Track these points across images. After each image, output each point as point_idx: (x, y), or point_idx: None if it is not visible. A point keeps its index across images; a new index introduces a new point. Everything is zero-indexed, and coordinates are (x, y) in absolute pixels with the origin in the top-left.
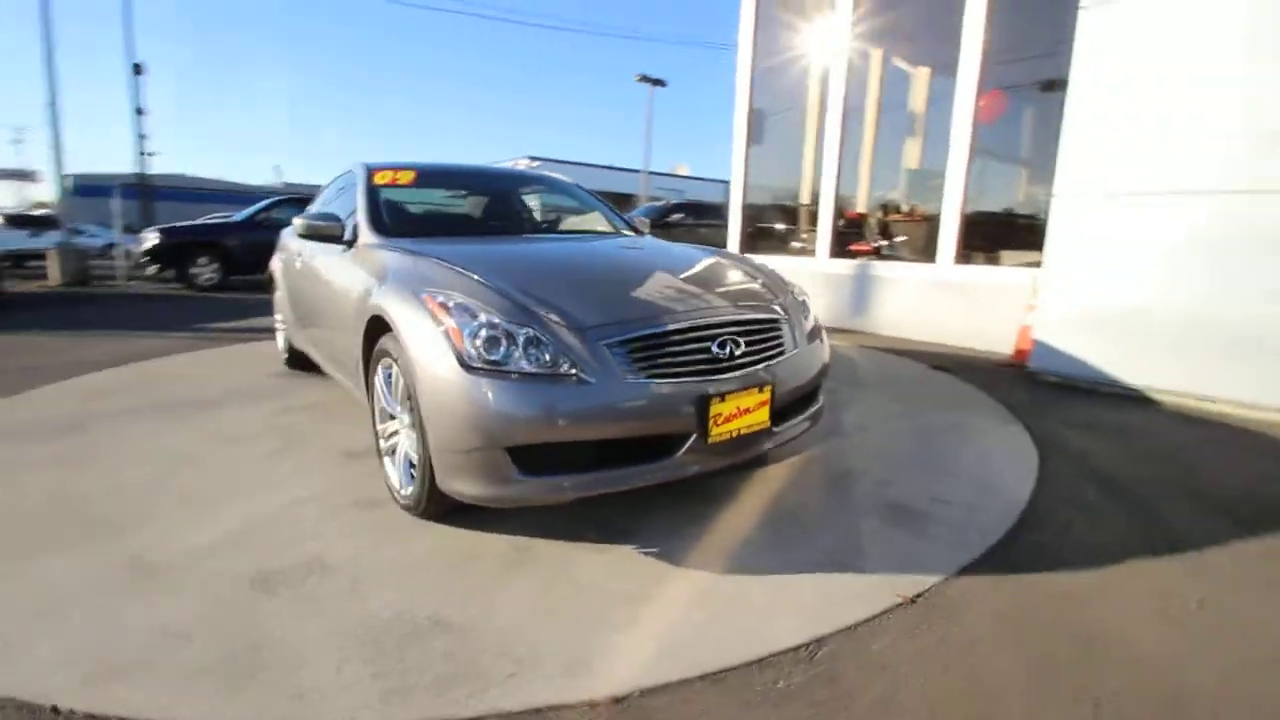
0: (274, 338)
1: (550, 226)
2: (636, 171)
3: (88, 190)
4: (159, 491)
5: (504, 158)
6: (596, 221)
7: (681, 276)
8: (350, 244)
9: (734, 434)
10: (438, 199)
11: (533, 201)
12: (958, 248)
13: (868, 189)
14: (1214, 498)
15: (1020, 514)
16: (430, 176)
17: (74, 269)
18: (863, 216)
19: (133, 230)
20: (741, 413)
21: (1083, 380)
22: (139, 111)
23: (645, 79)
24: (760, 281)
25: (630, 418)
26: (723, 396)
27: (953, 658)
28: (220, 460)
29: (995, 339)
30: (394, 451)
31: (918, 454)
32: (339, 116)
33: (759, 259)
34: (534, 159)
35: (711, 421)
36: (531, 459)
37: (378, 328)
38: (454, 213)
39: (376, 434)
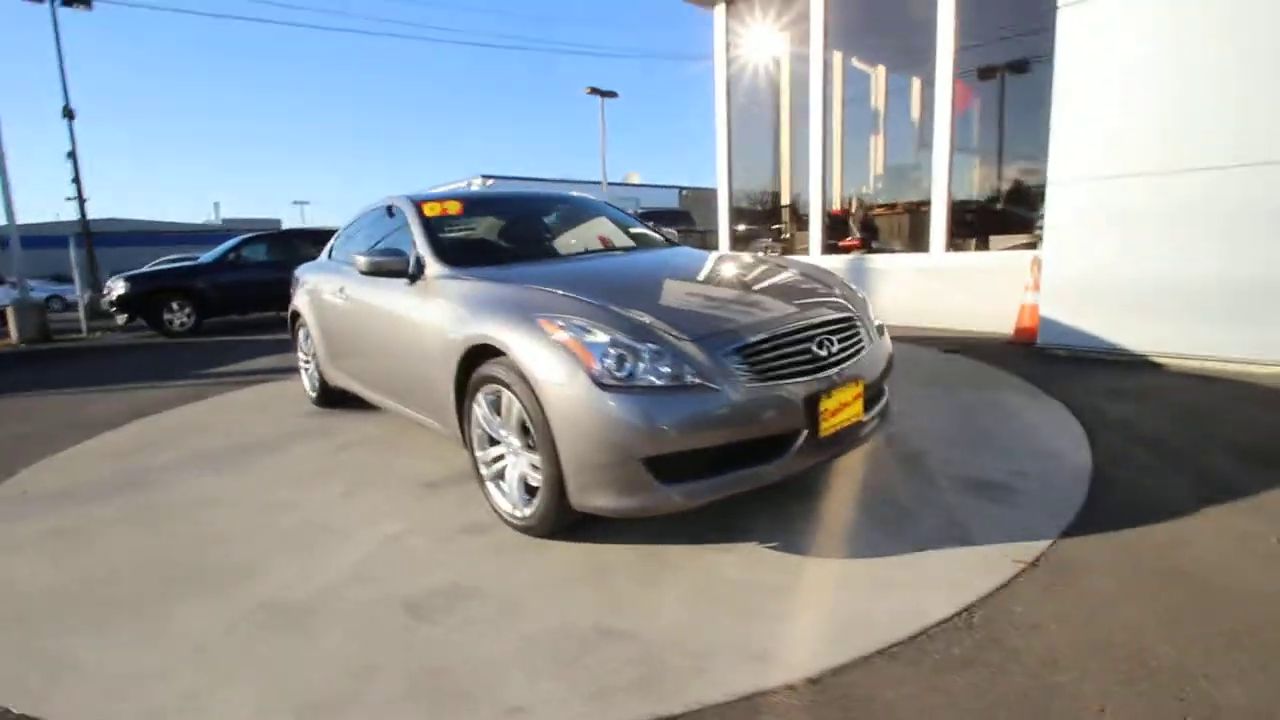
0: (289, 378)
1: (622, 246)
2: (591, 183)
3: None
4: (252, 538)
5: (456, 178)
6: (637, 235)
7: (758, 282)
8: (414, 278)
9: (838, 428)
10: (484, 227)
11: (573, 222)
12: (947, 235)
13: (847, 187)
14: (1248, 448)
15: (1090, 479)
16: (474, 205)
17: (34, 325)
18: (846, 212)
19: (63, 279)
20: (843, 407)
21: (1090, 351)
22: (71, 156)
23: (595, 91)
24: (825, 282)
25: (753, 420)
26: (829, 393)
27: (1091, 611)
28: (300, 503)
29: (992, 320)
30: (501, 475)
31: (970, 432)
32: (278, 150)
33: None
34: (488, 177)
35: (821, 417)
36: (667, 468)
37: (478, 356)
38: (509, 239)
39: (475, 461)
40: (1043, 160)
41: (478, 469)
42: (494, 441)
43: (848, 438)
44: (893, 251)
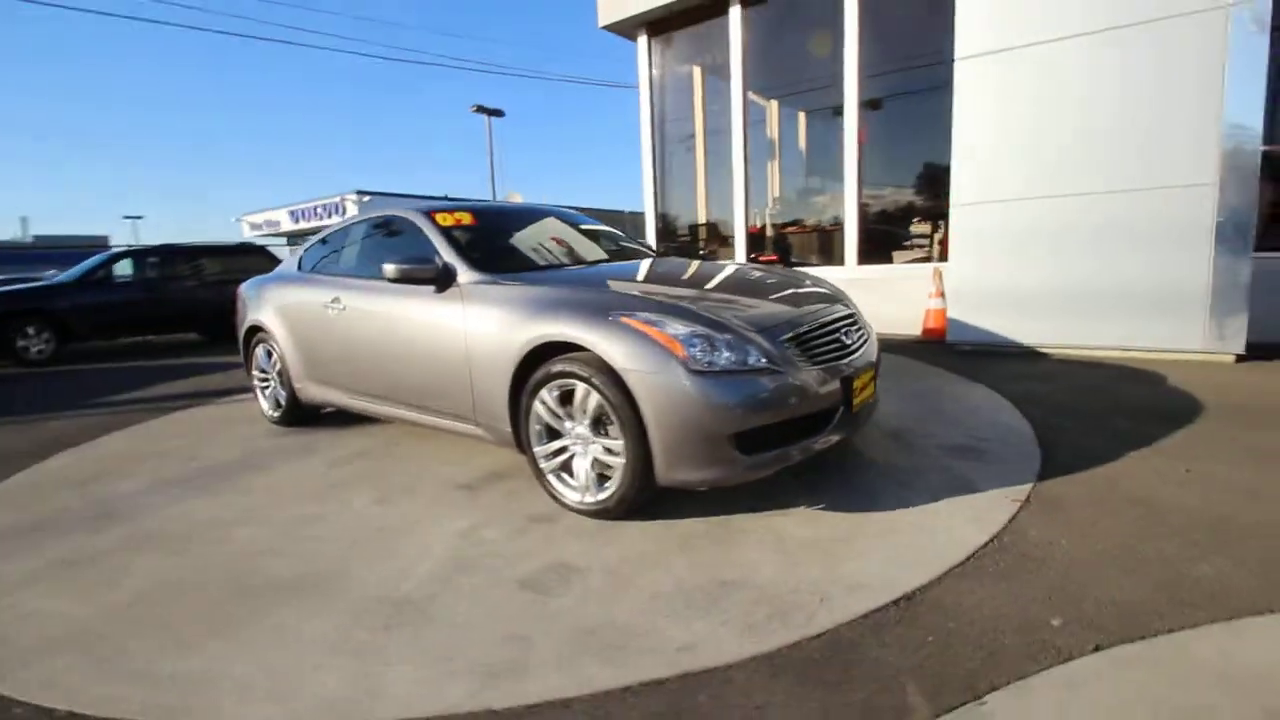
0: (217, 403)
1: (610, 254)
2: (475, 200)
3: None
4: (306, 547)
5: (328, 193)
6: (628, 248)
7: (779, 283)
8: (444, 285)
9: (861, 404)
10: (496, 237)
11: (571, 231)
12: (859, 250)
13: (765, 209)
14: (1135, 410)
15: (1036, 440)
16: (480, 216)
17: None
18: (760, 231)
19: None
20: (863, 387)
21: (991, 345)
22: None
23: (482, 110)
24: (825, 285)
25: (810, 398)
26: (857, 374)
27: (1084, 529)
28: (331, 514)
29: (901, 322)
30: (564, 467)
31: (929, 412)
32: (100, 161)
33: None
34: (362, 193)
35: (853, 395)
36: (744, 442)
37: (539, 355)
38: (525, 248)
39: (533, 456)
40: (914, 185)
41: (535, 464)
42: (554, 436)
43: (865, 414)
44: (810, 265)
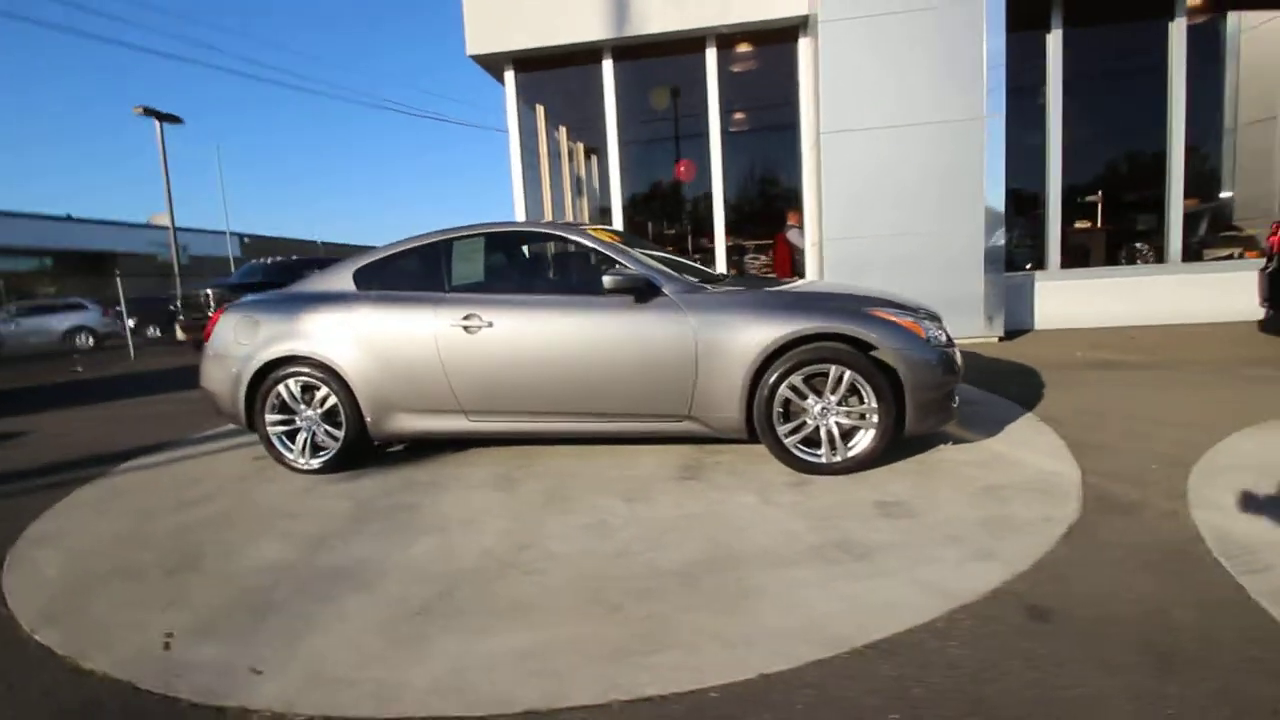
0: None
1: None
2: (114, 224)
3: None
4: (691, 546)
5: None
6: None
7: (873, 290)
8: (645, 296)
9: None
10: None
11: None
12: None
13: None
14: (1013, 376)
15: (990, 395)
16: (619, 235)
17: None
18: None
19: None
20: None
21: None
22: None
23: (151, 112)
24: None
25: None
26: None
27: (1075, 418)
28: (647, 514)
29: None
30: (806, 440)
31: None
32: None
33: None
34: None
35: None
36: (950, 397)
37: (786, 347)
38: (670, 262)
39: (775, 435)
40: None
41: (779, 440)
42: (789, 417)
43: None
44: None
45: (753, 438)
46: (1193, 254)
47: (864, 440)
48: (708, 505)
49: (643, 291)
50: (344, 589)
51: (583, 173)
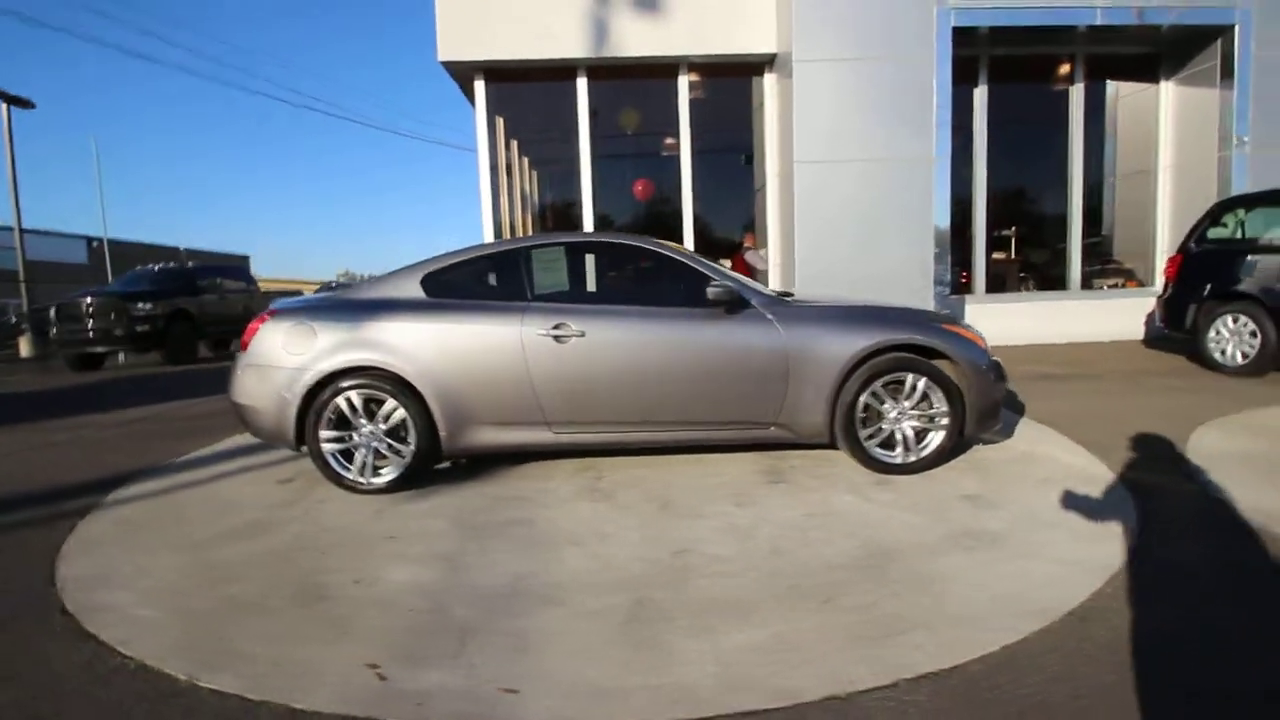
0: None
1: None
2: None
3: None
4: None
5: None
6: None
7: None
8: (735, 308)
9: None
10: None
11: None
12: None
13: None
14: None
15: None
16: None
17: None
18: None
19: None
20: None
21: None
22: None
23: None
24: None
25: None
26: None
27: (1080, 387)
28: (780, 511)
29: None
30: (884, 442)
31: None
32: None
33: None
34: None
35: None
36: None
37: (868, 356)
38: None
39: (857, 438)
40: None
41: (859, 443)
42: (866, 423)
43: None
44: None
45: (830, 442)
46: (1085, 283)
47: (934, 441)
48: (818, 505)
49: (732, 303)
50: (528, 605)
51: (528, 187)
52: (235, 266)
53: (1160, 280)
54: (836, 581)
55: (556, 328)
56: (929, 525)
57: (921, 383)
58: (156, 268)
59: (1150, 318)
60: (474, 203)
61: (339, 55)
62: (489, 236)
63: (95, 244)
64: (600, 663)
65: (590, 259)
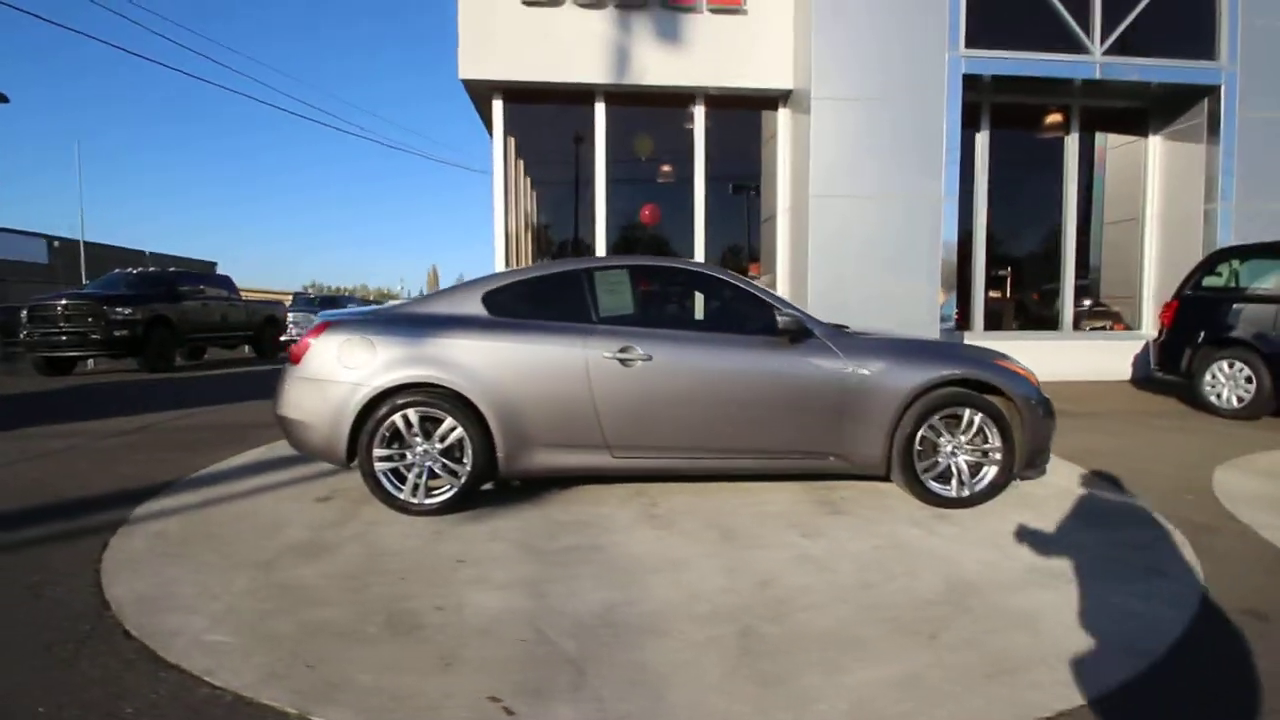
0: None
1: None
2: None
3: None
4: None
5: None
6: None
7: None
8: (798, 337)
9: None
10: None
11: None
12: None
13: None
14: None
15: None
16: None
17: None
18: None
19: None
20: None
21: None
22: None
23: None
24: None
25: None
26: None
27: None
28: (866, 544)
29: None
30: (939, 475)
31: None
32: None
33: None
34: None
35: None
36: None
37: (926, 390)
38: None
39: (912, 467)
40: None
41: (916, 476)
42: (924, 456)
43: None
44: None
45: (885, 474)
46: (1075, 324)
47: (988, 476)
48: (885, 538)
49: (797, 334)
50: (632, 635)
51: (529, 207)
52: (220, 275)
53: (1146, 324)
54: (934, 617)
55: (623, 350)
56: (1000, 560)
57: (978, 417)
58: (135, 271)
59: (1138, 359)
60: (452, 218)
61: (328, 59)
62: (499, 253)
63: (56, 244)
64: (731, 698)
65: (653, 283)
